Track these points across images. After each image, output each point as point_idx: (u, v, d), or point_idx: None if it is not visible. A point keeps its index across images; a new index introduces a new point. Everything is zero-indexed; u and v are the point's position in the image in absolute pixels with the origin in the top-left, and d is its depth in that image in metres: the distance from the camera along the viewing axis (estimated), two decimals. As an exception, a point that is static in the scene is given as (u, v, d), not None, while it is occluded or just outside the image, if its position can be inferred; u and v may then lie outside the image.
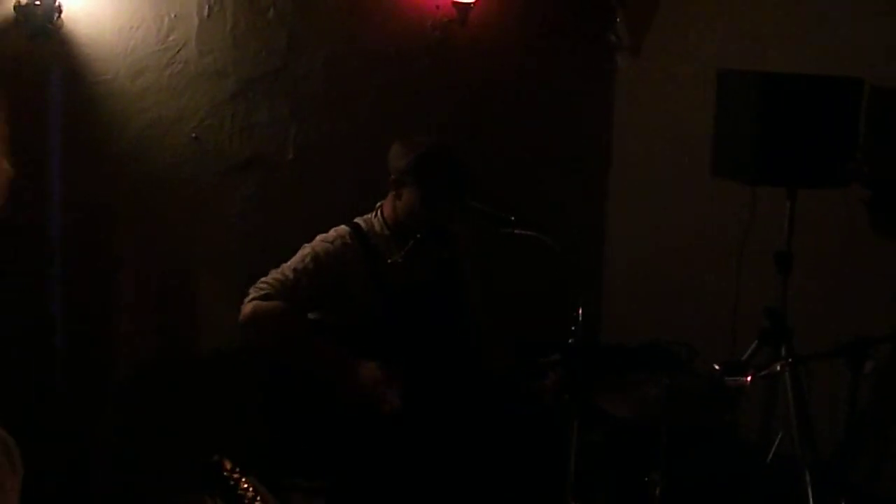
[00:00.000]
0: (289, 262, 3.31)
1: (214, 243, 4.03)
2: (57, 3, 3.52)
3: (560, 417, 3.04)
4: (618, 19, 4.92)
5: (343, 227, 3.41)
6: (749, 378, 2.89)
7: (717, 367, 2.99)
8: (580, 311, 2.88)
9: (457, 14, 4.36)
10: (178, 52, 3.84)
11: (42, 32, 3.52)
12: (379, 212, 3.44)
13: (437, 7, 4.36)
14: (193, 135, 3.92)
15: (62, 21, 3.56)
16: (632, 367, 3.51)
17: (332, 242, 3.34)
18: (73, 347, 3.78)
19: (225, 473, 2.09)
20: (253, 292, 3.27)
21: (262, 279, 3.30)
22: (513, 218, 3.10)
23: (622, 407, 3.00)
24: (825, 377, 3.62)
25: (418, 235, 3.31)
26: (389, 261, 3.28)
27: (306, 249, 3.34)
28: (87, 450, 3.84)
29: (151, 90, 3.82)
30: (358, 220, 3.44)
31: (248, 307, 3.24)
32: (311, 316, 3.36)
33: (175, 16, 3.82)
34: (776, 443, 3.89)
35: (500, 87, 4.65)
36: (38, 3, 3.47)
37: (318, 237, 3.38)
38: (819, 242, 3.93)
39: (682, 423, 3.00)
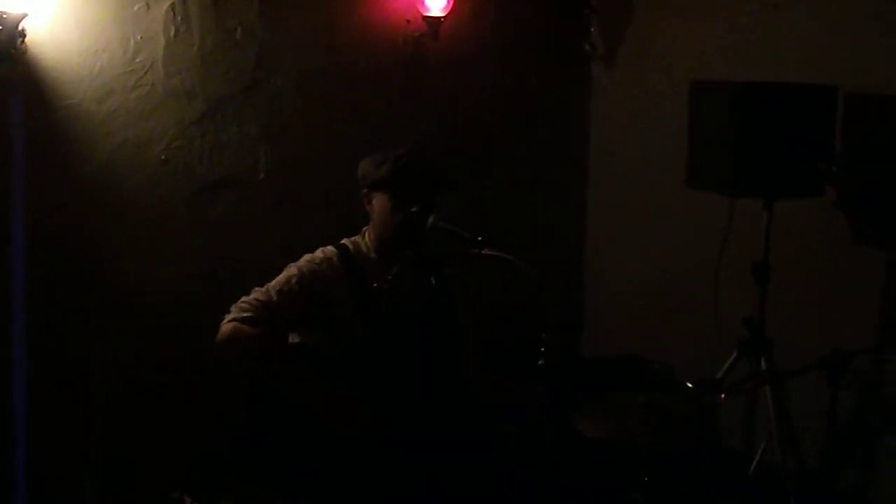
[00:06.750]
0: (273, 282, 3.24)
1: (185, 264, 3.98)
2: (21, 28, 3.47)
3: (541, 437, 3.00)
4: (592, 29, 4.89)
5: (330, 247, 3.33)
6: (723, 396, 2.87)
7: (689, 385, 2.96)
8: (548, 333, 2.84)
9: (428, 28, 4.32)
10: (144, 73, 3.80)
11: (6, 57, 3.47)
12: (366, 234, 3.37)
13: (408, 21, 4.32)
14: (163, 156, 3.88)
15: (26, 45, 3.52)
16: (609, 385, 3.47)
17: (318, 264, 3.27)
18: (41, 374, 3.73)
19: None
20: (234, 311, 3.19)
21: (245, 298, 3.22)
22: (480, 238, 3.04)
23: (598, 429, 2.97)
24: (807, 386, 3.59)
25: (408, 254, 3.23)
26: (375, 285, 3.21)
27: (292, 269, 3.26)
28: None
29: (119, 113, 3.77)
30: (345, 241, 3.37)
31: (226, 327, 3.17)
32: (293, 338, 3.29)
33: (141, 37, 3.77)
34: (760, 451, 3.87)
35: (474, 101, 4.62)
36: (0, 27, 3.42)
37: (305, 257, 3.31)
38: (797, 252, 3.91)
39: (658, 443, 2.96)
